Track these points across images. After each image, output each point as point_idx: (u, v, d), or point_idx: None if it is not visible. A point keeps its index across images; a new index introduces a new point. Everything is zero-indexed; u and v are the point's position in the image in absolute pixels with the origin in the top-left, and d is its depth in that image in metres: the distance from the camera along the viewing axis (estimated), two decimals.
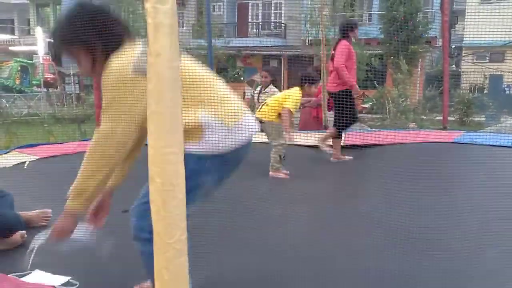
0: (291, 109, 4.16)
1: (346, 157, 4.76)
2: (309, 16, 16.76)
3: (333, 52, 4.96)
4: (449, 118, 6.56)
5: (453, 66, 17.71)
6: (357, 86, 4.86)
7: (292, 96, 4.24)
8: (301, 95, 4.33)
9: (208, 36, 7.00)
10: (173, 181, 1.14)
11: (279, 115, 4.15)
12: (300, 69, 16.35)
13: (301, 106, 6.37)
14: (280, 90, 6.02)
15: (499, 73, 15.56)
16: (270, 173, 4.14)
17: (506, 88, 16.61)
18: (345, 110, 4.64)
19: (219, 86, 1.57)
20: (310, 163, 4.70)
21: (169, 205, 1.14)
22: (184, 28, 21.79)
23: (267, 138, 4.23)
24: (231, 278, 2.08)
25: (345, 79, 4.70)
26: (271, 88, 5.84)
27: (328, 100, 6.11)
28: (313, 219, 2.90)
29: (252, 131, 1.55)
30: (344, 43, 4.84)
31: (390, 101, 12.09)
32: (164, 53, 1.21)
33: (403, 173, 2.89)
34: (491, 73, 15.01)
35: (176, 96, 1.21)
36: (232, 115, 1.49)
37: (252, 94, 6.84)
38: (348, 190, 3.66)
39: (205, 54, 12.69)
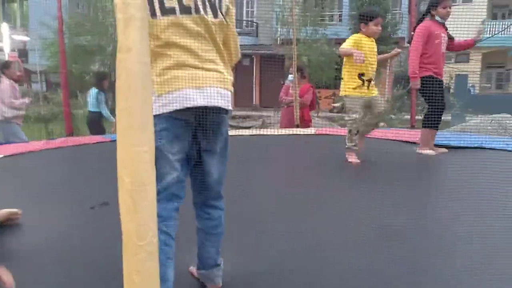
0: (349, 45, 3.75)
1: (440, 150, 4.35)
2: (280, 15, 16.85)
3: (412, 33, 4.40)
4: (417, 117, 6.68)
5: None
6: (418, 81, 4.16)
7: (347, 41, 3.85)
8: (357, 37, 3.87)
9: None
10: (144, 180, 1.10)
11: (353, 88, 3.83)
12: (272, 68, 16.32)
13: (285, 105, 6.35)
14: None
15: (464, 73, 16.02)
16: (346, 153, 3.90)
17: (470, 88, 17.12)
18: (432, 97, 4.16)
19: (174, 57, 1.59)
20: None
21: (140, 205, 1.09)
22: None
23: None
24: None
25: (409, 64, 4.18)
26: None
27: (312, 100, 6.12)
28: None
29: (187, 103, 1.57)
30: (423, 24, 4.24)
31: None
32: (135, 48, 1.17)
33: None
34: (457, 73, 15.43)
35: (147, 92, 1.17)
36: (167, 85, 1.57)
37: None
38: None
39: None
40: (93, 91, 6.77)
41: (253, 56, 20.63)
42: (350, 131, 3.86)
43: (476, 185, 2.78)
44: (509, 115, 9.16)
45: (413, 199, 3.14)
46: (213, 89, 1.62)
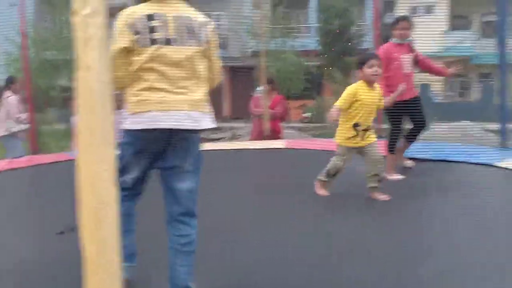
0: (338, 105, 3.61)
1: (407, 163, 4.41)
2: (249, 28, 16.99)
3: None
4: (384, 126, 6.82)
5: None
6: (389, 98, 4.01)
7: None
8: (353, 89, 3.65)
9: None
10: (105, 198, 1.11)
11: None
12: (242, 80, 16.38)
13: (256, 117, 6.34)
14: None
15: (427, 82, 16.46)
16: (315, 183, 3.75)
17: (433, 97, 17.60)
18: (391, 121, 4.29)
19: (147, 79, 1.78)
20: None
21: (101, 224, 1.10)
22: None
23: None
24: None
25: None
26: None
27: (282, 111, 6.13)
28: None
29: (152, 124, 1.75)
30: (381, 48, 4.34)
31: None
32: (94, 66, 1.18)
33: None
34: (421, 82, 15.85)
35: (107, 110, 1.18)
36: (138, 106, 1.77)
37: None
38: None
39: None
40: None
41: (223, 68, 20.67)
42: (328, 170, 3.67)
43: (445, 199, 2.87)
44: (471, 123, 9.47)
45: (383, 213, 3.22)
46: (181, 112, 1.78)
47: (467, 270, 2.14)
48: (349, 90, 3.63)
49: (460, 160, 4.43)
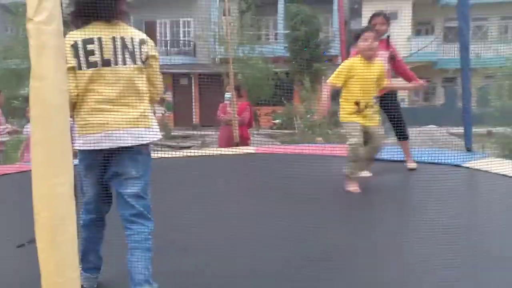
0: (330, 81, 3.52)
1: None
2: (217, 35, 17.00)
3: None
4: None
5: None
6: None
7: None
8: (348, 63, 3.55)
9: None
10: (62, 214, 1.05)
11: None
12: (211, 87, 16.34)
13: (223, 124, 6.32)
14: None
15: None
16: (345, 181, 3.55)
17: (400, 103, 18.01)
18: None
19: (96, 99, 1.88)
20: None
21: (59, 240, 1.04)
22: None
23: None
24: None
25: None
26: None
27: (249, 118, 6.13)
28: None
29: (95, 146, 1.89)
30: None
31: (298, 117, 12.55)
32: (50, 76, 1.13)
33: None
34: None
35: (64, 122, 1.13)
36: (82, 128, 1.90)
37: (163, 112, 6.67)
38: None
39: None
40: None
41: (191, 75, 20.58)
42: (349, 158, 3.47)
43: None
44: (436, 127, 9.75)
45: (352, 215, 3.24)
46: (121, 131, 1.91)
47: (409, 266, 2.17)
48: (343, 64, 3.49)
49: (427, 161, 4.50)
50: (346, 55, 4.75)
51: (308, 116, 12.13)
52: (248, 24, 17.12)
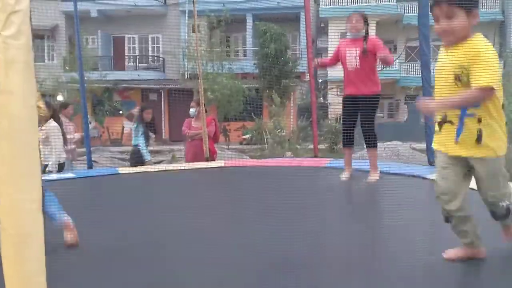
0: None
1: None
2: (186, 51, 17.03)
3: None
4: (320, 147, 7.02)
5: (321, 98, 19.21)
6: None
7: None
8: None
9: (80, 69, 6.65)
10: (29, 230, 1.04)
11: None
12: (180, 102, 16.38)
13: (189, 139, 6.36)
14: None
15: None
16: None
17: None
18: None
19: None
20: None
21: (24, 258, 1.03)
22: (55, 61, 20.59)
23: None
24: None
25: None
26: None
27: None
28: None
29: None
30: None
31: (268, 132, 12.66)
32: (17, 91, 1.12)
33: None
34: None
35: (33, 137, 1.12)
36: None
37: (132, 127, 6.61)
38: None
39: (77, 88, 12.11)
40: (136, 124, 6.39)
41: (160, 90, 20.48)
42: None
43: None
44: (400, 142, 10.00)
45: (315, 226, 3.27)
46: None
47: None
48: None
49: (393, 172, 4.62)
50: (314, 73, 4.86)
51: (278, 131, 12.26)
52: (217, 41, 17.24)
